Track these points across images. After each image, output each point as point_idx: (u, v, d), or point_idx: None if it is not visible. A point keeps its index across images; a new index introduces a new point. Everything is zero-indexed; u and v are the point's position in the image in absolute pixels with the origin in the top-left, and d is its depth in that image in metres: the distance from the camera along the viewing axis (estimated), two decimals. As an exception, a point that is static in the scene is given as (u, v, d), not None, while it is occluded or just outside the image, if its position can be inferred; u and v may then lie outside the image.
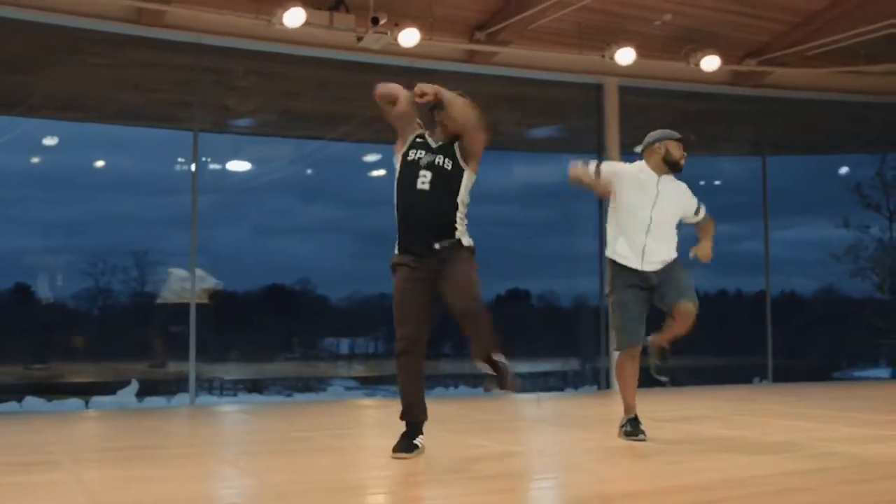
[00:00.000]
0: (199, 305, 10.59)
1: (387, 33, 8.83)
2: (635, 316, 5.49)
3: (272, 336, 14.18)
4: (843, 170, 14.64)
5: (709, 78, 10.50)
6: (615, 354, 5.71)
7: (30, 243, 11.80)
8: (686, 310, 5.47)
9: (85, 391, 10.82)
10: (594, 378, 11.27)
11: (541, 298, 15.76)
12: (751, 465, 4.46)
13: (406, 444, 4.71)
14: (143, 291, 12.86)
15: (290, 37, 9.19)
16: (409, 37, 9.02)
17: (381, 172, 12.90)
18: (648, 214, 5.48)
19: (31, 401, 9.84)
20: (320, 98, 11.25)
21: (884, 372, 15.24)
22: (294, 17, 8.61)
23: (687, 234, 5.68)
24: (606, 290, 5.66)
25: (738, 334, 13.12)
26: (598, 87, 10.74)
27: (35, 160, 11.50)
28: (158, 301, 11.33)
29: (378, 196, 15.50)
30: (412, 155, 4.79)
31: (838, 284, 14.14)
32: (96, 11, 8.76)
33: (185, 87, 10.18)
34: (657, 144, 5.57)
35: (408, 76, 10.29)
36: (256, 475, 4.48)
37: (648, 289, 5.50)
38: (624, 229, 5.58)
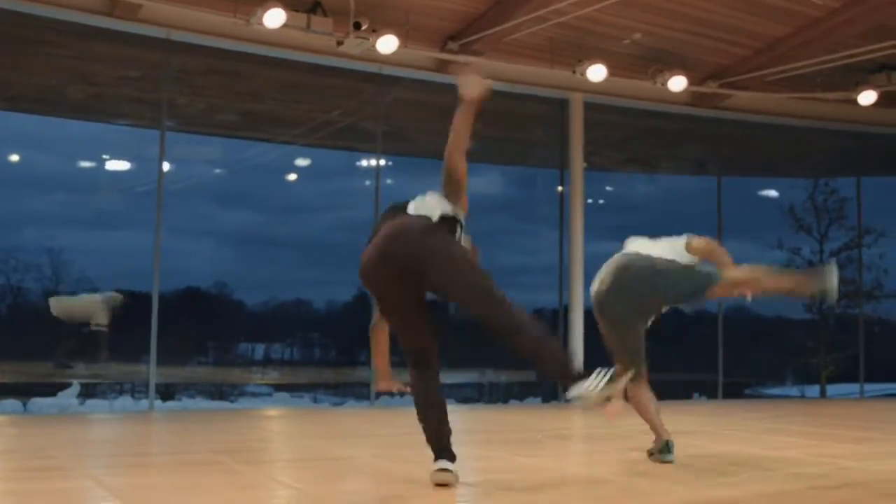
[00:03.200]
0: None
1: (367, 38, 8.77)
2: None
3: (186, 340, 13.91)
4: (772, 192, 15.11)
5: (669, 98, 10.70)
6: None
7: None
8: None
9: (22, 392, 10.50)
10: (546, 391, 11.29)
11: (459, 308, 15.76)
12: (780, 480, 4.53)
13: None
14: (56, 291, 12.50)
15: (262, 37, 9.05)
16: (387, 44, 8.96)
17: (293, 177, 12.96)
18: None
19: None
20: (280, 100, 11.14)
21: (793, 390, 15.71)
22: (274, 18, 8.48)
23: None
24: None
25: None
26: (564, 103, 10.83)
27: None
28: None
29: (298, 203, 15.47)
30: None
31: (747, 304, 14.43)
32: (68, 1, 8.48)
33: (147, 84, 9.97)
34: None
35: (376, 83, 10.31)
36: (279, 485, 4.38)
37: None
38: None
